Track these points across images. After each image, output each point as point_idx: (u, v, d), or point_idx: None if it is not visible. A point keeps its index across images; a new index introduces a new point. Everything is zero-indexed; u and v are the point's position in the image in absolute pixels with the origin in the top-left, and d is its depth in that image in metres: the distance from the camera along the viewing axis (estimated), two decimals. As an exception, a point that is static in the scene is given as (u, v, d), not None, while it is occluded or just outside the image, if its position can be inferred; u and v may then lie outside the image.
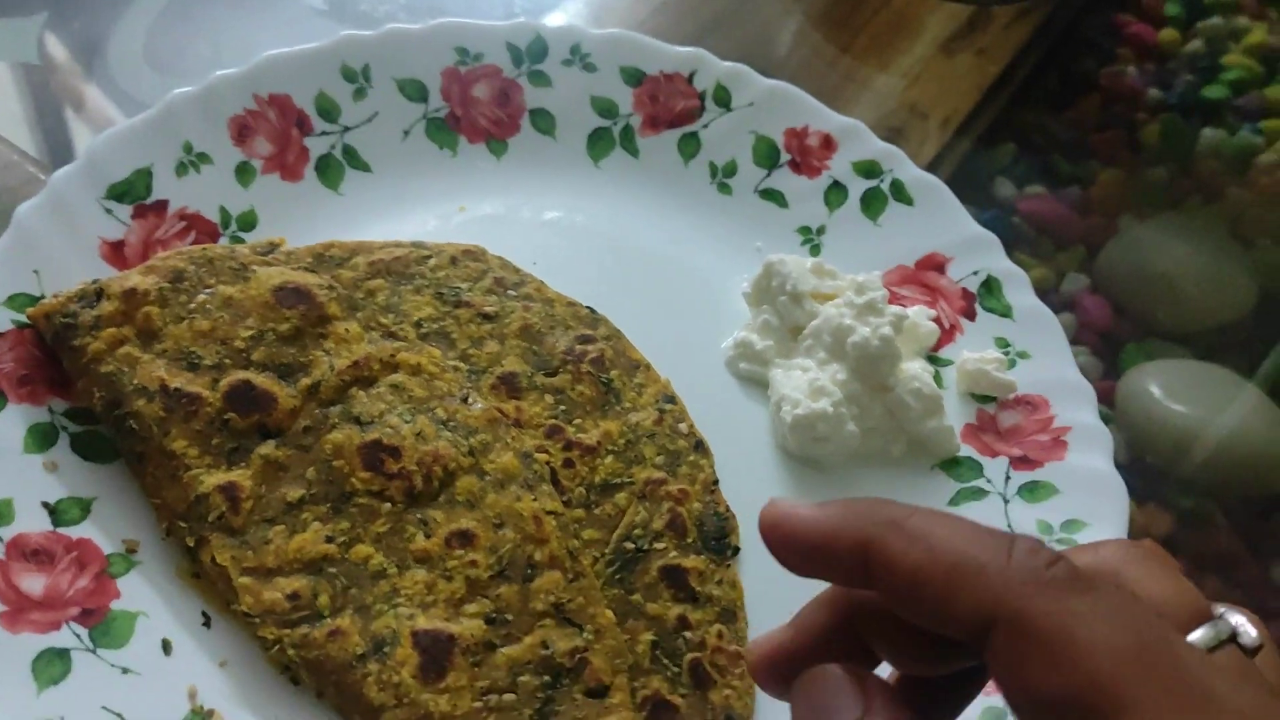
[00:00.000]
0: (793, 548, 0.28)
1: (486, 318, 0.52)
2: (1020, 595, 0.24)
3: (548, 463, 0.48)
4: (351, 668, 0.41)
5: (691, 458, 0.51)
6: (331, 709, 0.42)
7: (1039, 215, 0.86)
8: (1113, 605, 0.24)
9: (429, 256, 0.54)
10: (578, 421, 0.50)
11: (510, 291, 0.54)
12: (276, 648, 0.42)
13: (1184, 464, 0.74)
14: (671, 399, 0.52)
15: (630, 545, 0.47)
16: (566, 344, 0.52)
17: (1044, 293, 0.59)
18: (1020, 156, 0.89)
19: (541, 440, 0.49)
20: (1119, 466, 0.55)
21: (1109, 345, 0.79)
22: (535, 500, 0.46)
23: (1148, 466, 0.74)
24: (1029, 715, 0.24)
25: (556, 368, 0.51)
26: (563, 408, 0.50)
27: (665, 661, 0.45)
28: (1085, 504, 0.50)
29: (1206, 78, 0.95)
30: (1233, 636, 0.27)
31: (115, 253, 0.51)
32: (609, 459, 0.49)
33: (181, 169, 0.54)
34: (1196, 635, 0.27)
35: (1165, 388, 0.78)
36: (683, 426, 0.52)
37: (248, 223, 0.55)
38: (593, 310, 0.55)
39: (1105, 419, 0.55)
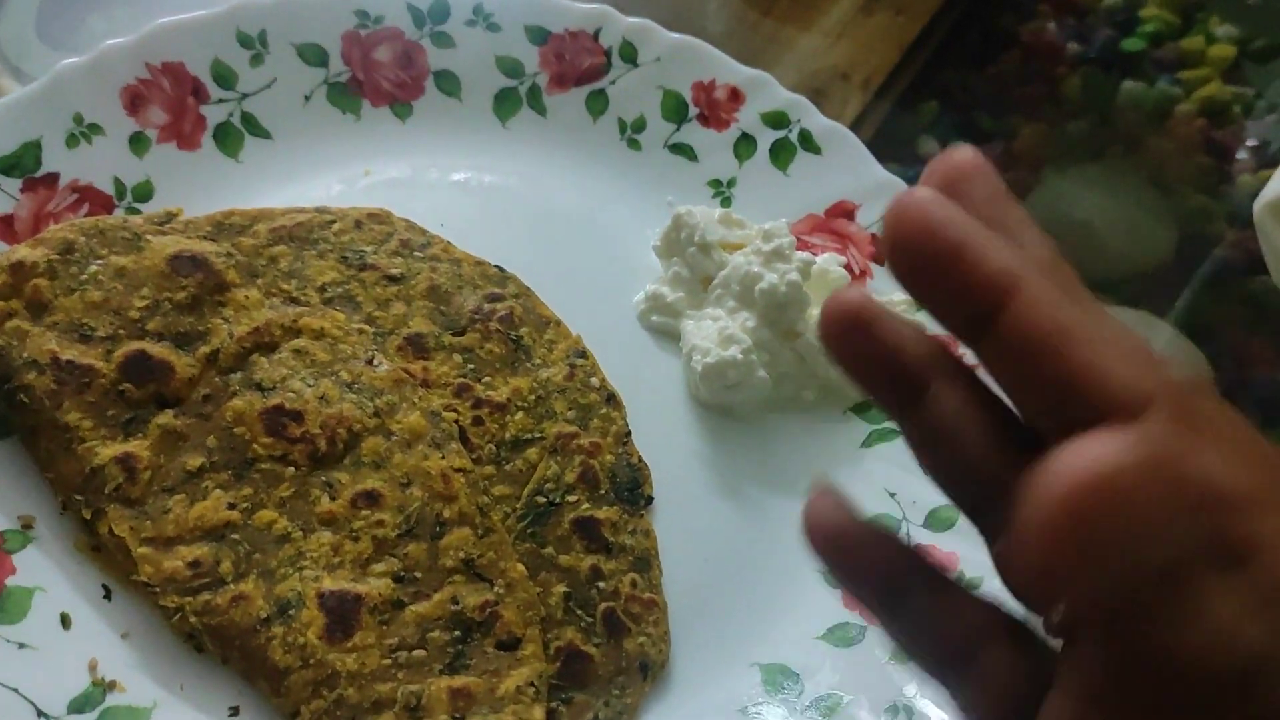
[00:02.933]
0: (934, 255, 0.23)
1: (392, 280, 0.52)
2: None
3: (456, 421, 0.48)
4: (255, 632, 0.41)
5: (603, 411, 0.50)
6: (237, 674, 0.41)
7: (963, 171, 0.87)
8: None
9: (333, 221, 0.53)
10: (487, 379, 0.50)
11: (417, 253, 0.53)
12: (179, 616, 0.41)
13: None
14: (583, 354, 0.52)
15: (542, 499, 0.47)
16: (475, 303, 0.52)
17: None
18: (943, 114, 0.89)
19: (450, 399, 0.49)
20: None
21: (1034, 295, 0.80)
22: (443, 458, 0.46)
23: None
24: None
25: (465, 327, 0.51)
26: (471, 366, 0.50)
27: (579, 612, 0.45)
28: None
29: (1125, 31, 0.96)
30: None
31: (5, 227, 0.50)
32: (519, 415, 0.49)
33: (72, 140, 0.53)
34: None
35: (1088, 335, 0.78)
36: (594, 380, 0.51)
37: (144, 193, 0.54)
38: (501, 269, 0.54)
39: None
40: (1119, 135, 0.91)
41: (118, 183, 0.54)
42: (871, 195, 0.58)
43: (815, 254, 0.56)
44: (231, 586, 0.42)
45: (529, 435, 0.49)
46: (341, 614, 0.41)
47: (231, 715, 0.41)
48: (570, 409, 0.50)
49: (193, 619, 0.41)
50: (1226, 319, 0.81)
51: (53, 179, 0.52)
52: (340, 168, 0.58)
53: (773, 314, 0.52)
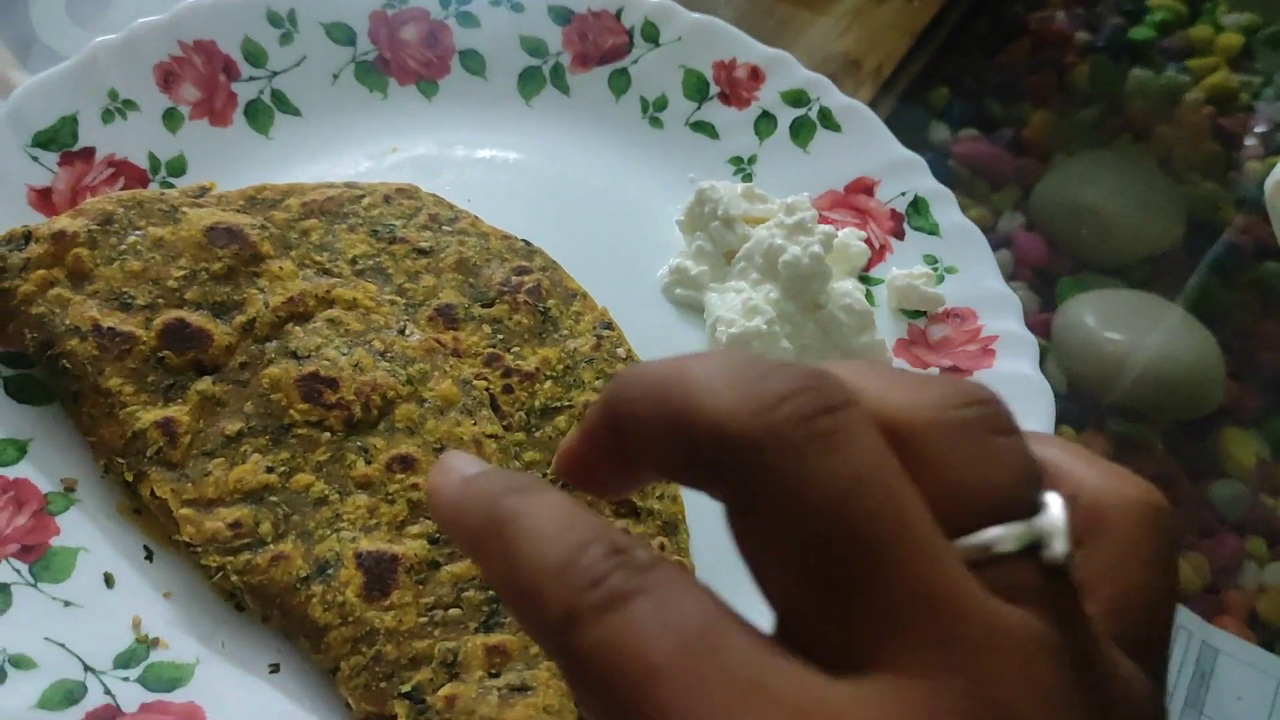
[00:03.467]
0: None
1: (422, 253, 0.53)
2: None
3: (487, 389, 0.49)
4: (295, 590, 0.42)
5: None
6: (277, 632, 0.42)
7: (974, 157, 0.88)
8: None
9: (362, 196, 0.54)
10: (516, 349, 0.51)
11: (445, 227, 0.54)
12: (220, 574, 0.42)
13: (1120, 390, 0.76)
14: (609, 325, 0.53)
15: (571, 465, 0.48)
16: (503, 275, 0.53)
17: (981, 232, 0.60)
18: (953, 101, 0.90)
19: (480, 368, 0.49)
20: (1057, 395, 0.56)
21: (1044, 280, 0.81)
22: (475, 425, 0.47)
23: (1085, 394, 0.75)
24: None
25: (493, 299, 0.52)
26: (500, 337, 0.51)
27: None
28: (1013, 407, 0.51)
29: (1133, 19, 0.97)
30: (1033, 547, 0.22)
31: (43, 200, 0.51)
32: (548, 384, 0.50)
33: (107, 116, 0.54)
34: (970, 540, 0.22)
35: (1100, 317, 0.79)
36: (620, 351, 0.52)
37: (177, 168, 0.55)
38: (528, 243, 0.55)
39: (1042, 351, 0.56)
40: (1128, 123, 0.91)
41: (152, 157, 0.55)
42: (890, 172, 0.59)
43: (836, 229, 0.57)
44: (271, 547, 0.43)
45: (558, 403, 0.49)
46: (379, 574, 0.42)
47: (272, 671, 0.42)
48: (598, 378, 0.51)
49: (234, 578, 0.42)
50: (1236, 303, 0.82)
51: (89, 153, 0.53)
52: (368, 144, 0.59)
53: (796, 286, 0.53)
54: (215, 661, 0.42)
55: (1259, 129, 0.93)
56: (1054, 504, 0.23)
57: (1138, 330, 0.79)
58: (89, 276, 0.47)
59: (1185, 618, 0.63)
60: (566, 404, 0.50)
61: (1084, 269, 0.83)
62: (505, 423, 0.48)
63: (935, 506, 0.22)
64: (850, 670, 0.21)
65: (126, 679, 0.40)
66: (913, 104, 0.86)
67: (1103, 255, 0.84)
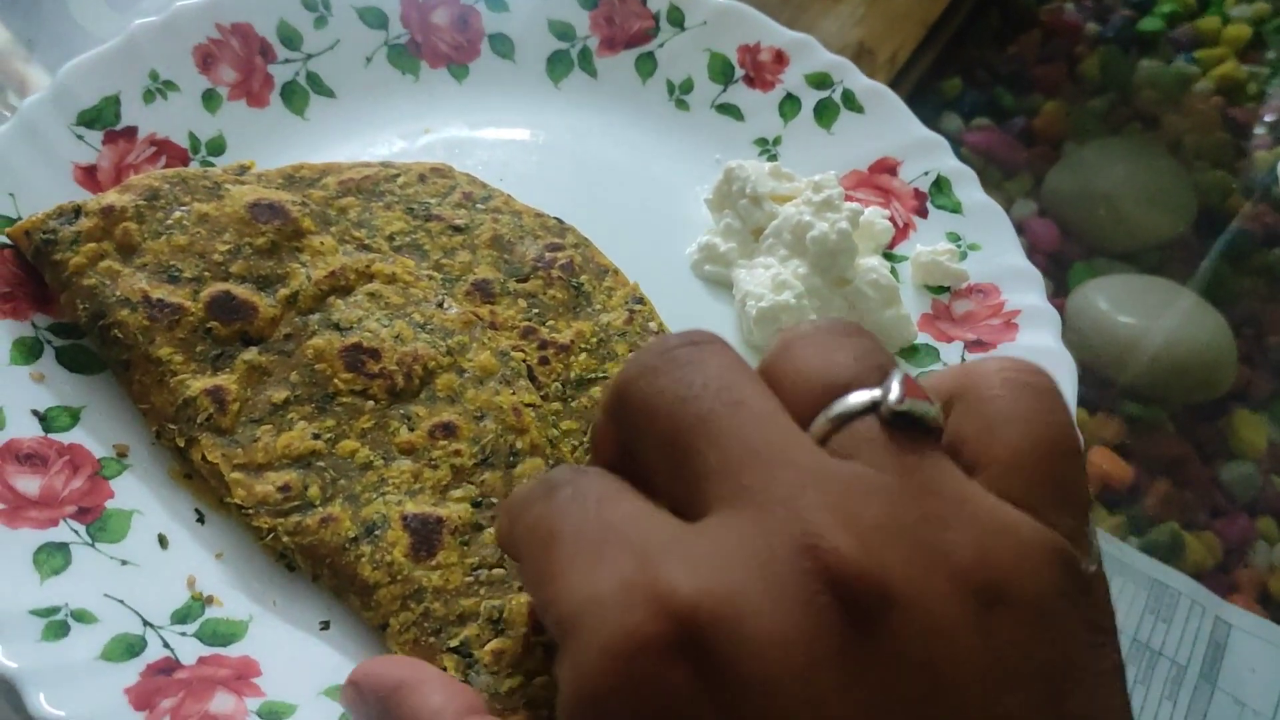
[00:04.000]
0: None
1: (457, 230, 0.54)
2: None
3: (524, 360, 0.50)
4: (345, 550, 0.43)
5: None
6: (327, 590, 0.44)
7: (986, 146, 0.89)
8: None
9: (397, 175, 0.55)
10: (550, 323, 0.52)
11: (479, 205, 0.55)
12: (271, 536, 0.43)
13: (1132, 373, 0.77)
14: (640, 300, 0.54)
15: (607, 434, 0.49)
16: (536, 252, 0.54)
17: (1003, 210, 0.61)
18: (965, 91, 0.91)
19: (517, 340, 0.51)
20: None
21: (1057, 265, 0.82)
22: (514, 394, 0.48)
23: (1098, 377, 0.77)
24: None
25: (528, 274, 0.53)
26: (536, 311, 0.52)
27: None
28: (1037, 380, 0.53)
29: (1142, 11, 0.98)
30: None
31: (88, 177, 0.52)
32: (583, 356, 0.51)
33: (149, 96, 0.55)
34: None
35: (1112, 300, 0.80)
36: (652, 325, 0.53)
37: (217, 147, 0.56)
38: (560, 220, 0.56)
39: None
40: (1137, 113, 0.93)
41: (192, 137, 0.56)
42: (913, 151, 0.60)
43: (861, 207, 0.58)
44: (320, 509, 0.44)
45: (592, 374, 0.51)
46: (425, 534, 0.43)
47: (323, 628, 0.43)
48: (630, 351, 0.52)
49: (285, 539, 0.43)
50: (1246, 289, 0.83)
51: (131, 132, 0.54)
52: (401, 125, 0.60)
53: (824, 261, 0.54)
54: (268, 619, 0.43)
55: (1268, 118, 0.94)
56: (896, 374, 0.28)
57: (1150, 314, 0.80)
58: (137, 250, 0.48)
59: (1199, 594, 0.64)
60: (601, 375, 0.51)
61: (1096, 255, 0.84)
62: (542, 393, 0.49)
63: (792, 401, 0.28)
64: (699, 517, 0.26)
65: (184, 634, 0.41)
66: (925, 94, 0.87)
67: (1114, 241, 0.85)
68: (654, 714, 0.24)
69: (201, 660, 0.40)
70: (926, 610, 0.24)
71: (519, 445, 0.46)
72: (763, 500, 0.25)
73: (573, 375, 0.51)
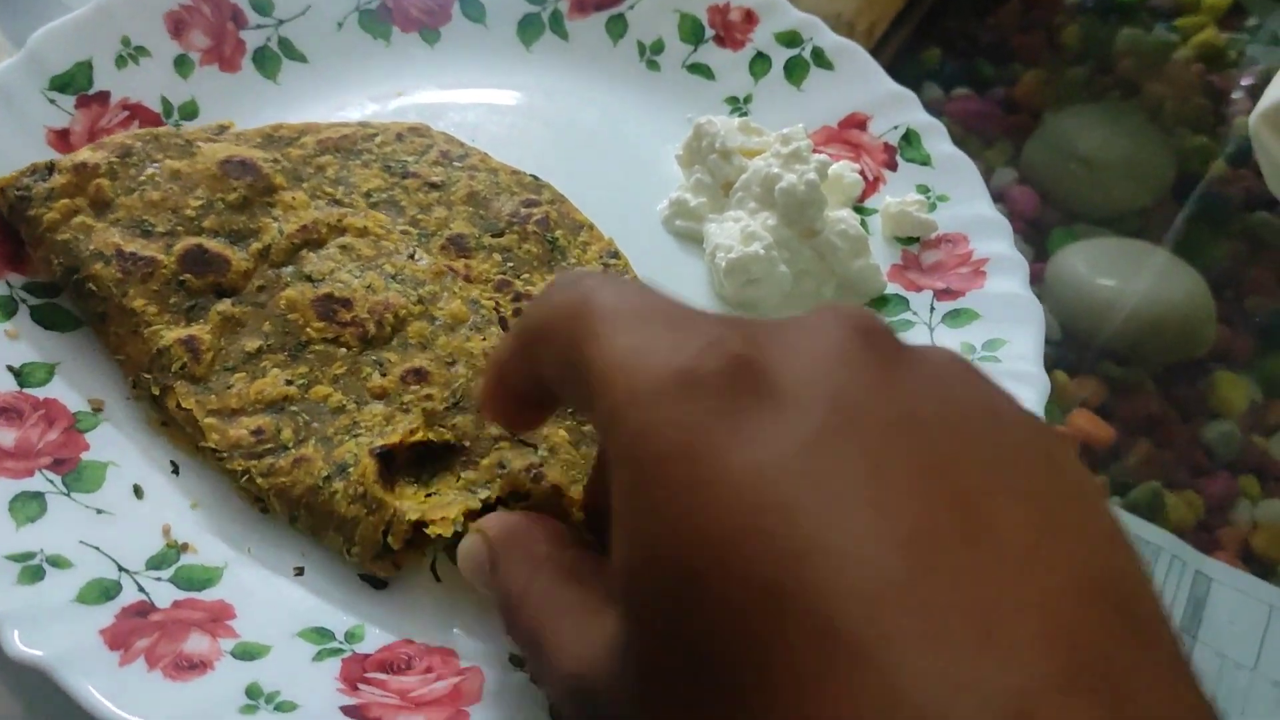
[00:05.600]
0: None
1: (434, 186, 0.54)
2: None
3: (496, 308, 0.50)
4: (319, 489, 0.43)
5: None
6: (305, 533, 0.44)
7: (966, 115, 0.90)
8: None
9: (375, 134, 0.56)
10: (525, 276, 0.52)
11: (456, 163, 0.56)
12: (245, 478, 0.44)
13: (1112, 334, 0.77)
14: (615, 254, 0.55)
15: (580, 382, 0.50)
16: (512, 208, 0.54)
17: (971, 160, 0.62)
18: (945, 61, 0.92)
19: (491, 293, 0.51)
20: (1050, 341, 0.57)
21: (1037, 232, 0.83)
22: (485, 340, 0.48)
23: (1078, 340, 0.77)
24: None
25: (503, 229, 0.54)
26: (510, 265, 0.53)
27: None
28: (1004, 325, 0.53)
29: (1122, -21, 0.98)
30: None
31: (61, 140, 0.53)
32: None
33: (121, 61, 0.55)
34: None
35: (1091, 264, 0.81)
36: (626, 278, 0.54)
37: (190, 112, 0.57)
38: (536, 177, 0.57)
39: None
40: (1117, 80, 0.93)
41: (165, 102, 0.56)
42: (883, 106, 0.61)
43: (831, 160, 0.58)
44: (293, 451, 0.44)
45: None
46: (390, 463, 0.44)
47: (297, 574, 0.43)
48: None
49: (259, 480, 0.44)
50: (1226, 251, 0.83)
51: (104, 97, 0.55)
52: (373, 89, 0.60)
53: (792, 213, 0.54)
54: (242, 565, 0.43)
55: (1246, 82, 0.94)
56: None
57: (1128, 275, 0.81)
58: (110, 206, 0.48)
59: (1179, 549, 0.64)
60: None
61: (1076, 221, 0.84)
62: None
63: None
64: None
65: (159, 579, 0.41)
66: (906, 64, 0.88)
67: (1094, 207, 0.86)
68: (713, 412, 0.25)
69: (176, 604, 0.41)
70: (935, 354, 0.27)
71: None
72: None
73: None
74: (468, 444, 0.45)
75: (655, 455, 0.25)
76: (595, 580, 0.31)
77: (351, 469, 0.43)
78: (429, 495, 0.44)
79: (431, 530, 0.41)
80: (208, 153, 0.51)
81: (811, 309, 0.29)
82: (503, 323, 0.50)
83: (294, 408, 0.45)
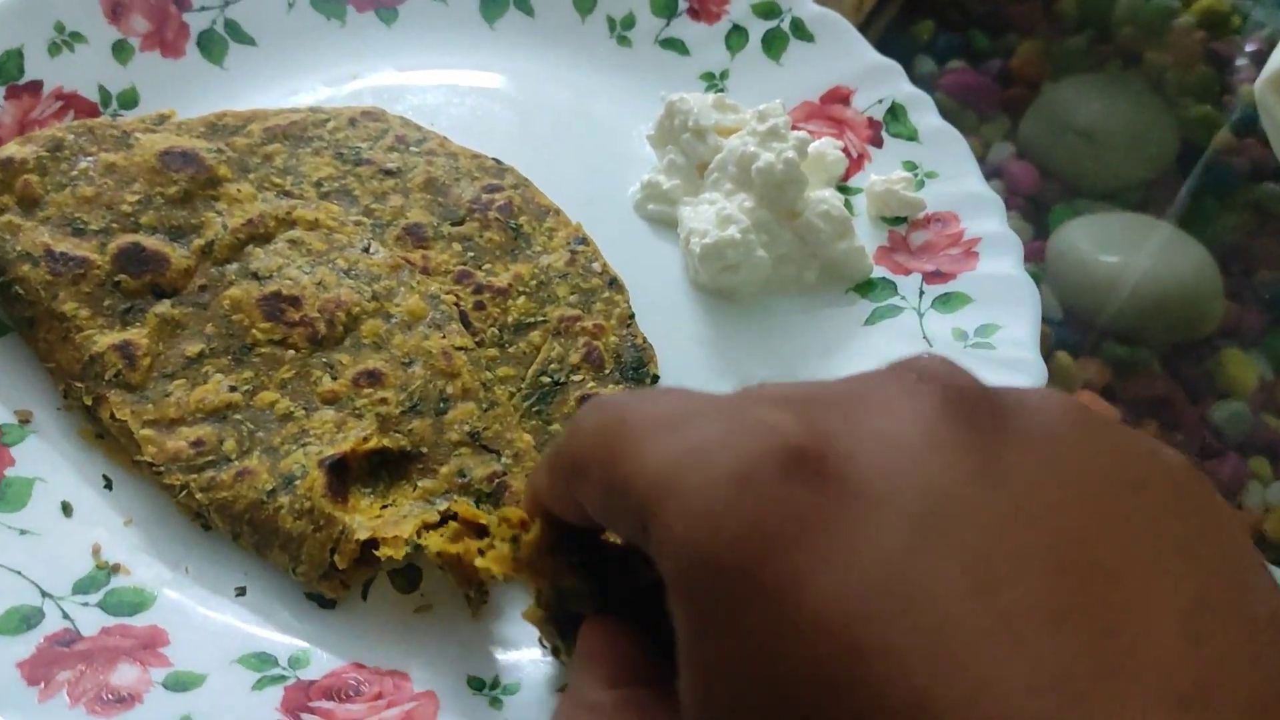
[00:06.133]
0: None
1: (389, 173, 0.51)
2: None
3: (458, 304, 0.47)
4: (263, 505, 0.40)
5: (606, 294, 0.50)
6: (245, 553, 0.41)
7: (961, 89, 0.86)
8: None
9: (327, 120, 0.53)
10: (487, 266, 0.49)
11: (413, 148, 0.53)
12: (184, 493, 0.41)
13: (1116, 313, 0.74)
14: (584, 240, 0.51)
15: (546, 379, 0.46)
16: (473, 194, 0.51)
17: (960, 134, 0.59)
18: (939, 34, 0.89)
19: (450, 285, 0.48)
20: (1052, 322, 0.54)
21: (1037, 209, 0.80)
22: (444, 338, 0.45)
23: (1082, 320, 0.74)
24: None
25: (463, 217, 0.50)
26: (471, 254, 0.49)
27: None
28: (998, 308, 0.50)
29: (1120, -55, 0.95)
30: None
31: (-10, 133, 0.50)
32: (521, 300, 0.48)
33: (54, 49, 0.52)
34: None
35: (1093, 240, 0.78)
36: (596, 266, 0.51)
37: (129, 101, 0.54)
38: (498, 161, 0.54)
39: (1035, 279, 0.54)
40: (1117, 50, 0.90)
41: (103, 90, 0.53)
42: (866, 79, 0.58)
43: (812, 138, 0.55)
44: (236, 463, 0.41)
45: (531, 319, 0.48)
46: (342, 472, 0.41)
47: (239, 595, 0.40)
48: (572, 293, 0.49)
49: (199, 495, 0.41)
50: (1232, 224, 0.81)
51: (36, 86, 0.52)
52: (327, 72, 0.57)
53: (771, 194, 0.51)
54: (179, 586, 0.40)
55: (1250, 48, 0.91)
56: None
57: (1132, 251, 0.78)
58: (40, 203, 0.45)
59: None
60: (540, 319, 0.48)
61: (1077, 196, 0.81)
62: (478, 338, 0.47)
63: None
64: None
65: (86, 604, 0.39)
66: (897, 38, 0.84)
67: (1096, 181, 0.83)
68: (781, 530, 0.21)
69: (104, 631, 0.38)
70: (1044, 411, 0.23)
71: (449, 390, 0.44)
72: None
73: (510, 320, 0.48)
74: (425, 450, 0.42)
75: (724, 593, 0.21)
76: None
77: (299, 482, 0.40)
78: (385, 507, 0.41)
79: (382, 552, 0.38)
80: (146, 144, 0.48)
81: (880, 369, 0.24)
82: (463, 317, 0.47)
83: (238, 416, 0.42)
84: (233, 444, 0.42)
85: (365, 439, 0.42)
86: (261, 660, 0.38)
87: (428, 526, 0.39)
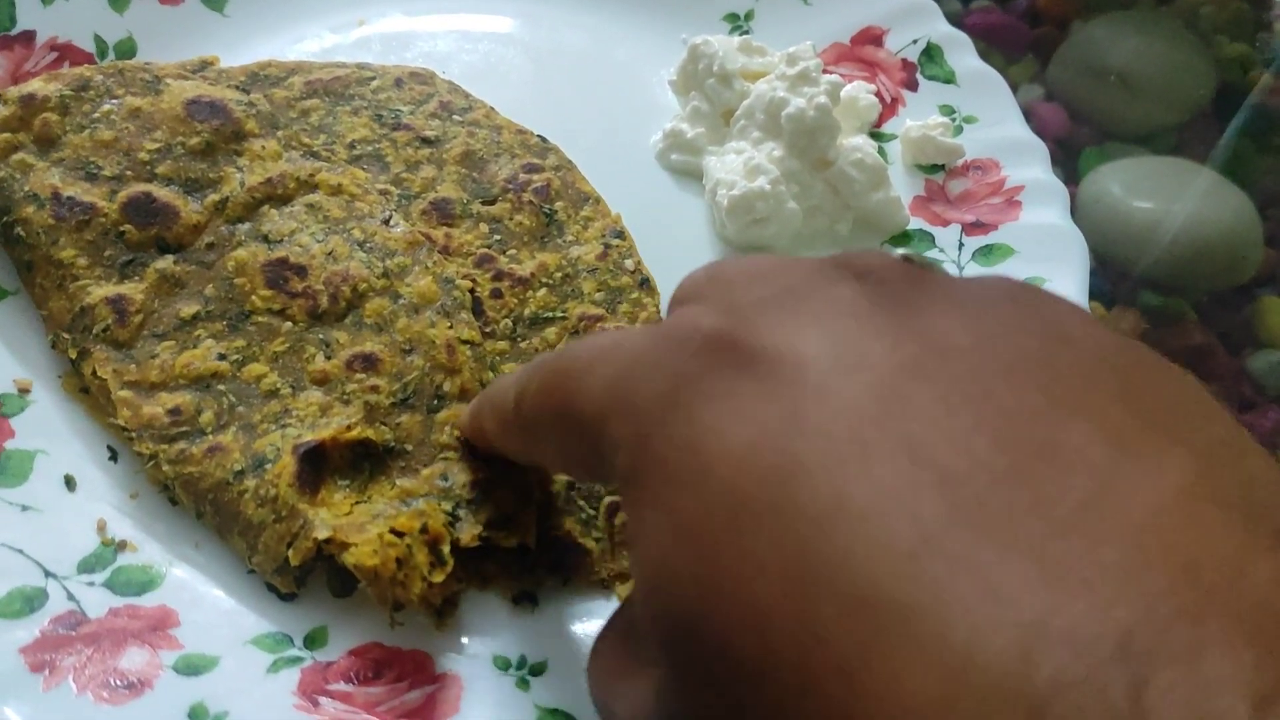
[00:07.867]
0: None
1: (426, 142, 0.49)
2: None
3: (473, 291, 0.45)
4: (228, 485, 0.38)
5: (635, 295, 0.47)
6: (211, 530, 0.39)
7: (988, 29, 0.83)
8: None
9: (372, 78, 0.51)
10: (512, 252, 0.47)
11: (456, 116, 0.50)
12: (152, 464, 0.39)
13: (1151, 261, 0.72)
14: (620, 234, 0.48)
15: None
16: (510, 172, 0.49)
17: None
18: (963, -29, 0.85)
19: (470, 269, 0.45)
20: None
21: (1067, 153, 0.77)
22: (451, 328, 0.43)
23: (1115, 268, 0.72)
24: None
25: (496, 196, 0.48)
26: (498, 237, 0.47)
27: (581, 504, 0.41)
28: (1043, 262, 0.48)
29: (1153, -124, 0.92)
30: None
31: (-19, 86, 0.47)
32: (542, 292, 0.46)
33: (47, -3, 0.50)
34: None
35: (1127, 186, 0.75)
36: (628, 263, 0.48)
37: (126, 50, 0.51)
38: (544, 139, 0.51)
39: None
40: (1149, -14, 0.87)
41: (99, 40, 0.51)
42: (900, 18, 0.55)
43: (844, 81, 0.52)
44: (209, 437, 0.39)
45: (550, 314, 0.45)
46: (315, 462, 0.38)
47: (251, 571, 0.38)
48: (599, 290, 0.46)
49: (165, 467, 0.38)
50: (1270, 167, 0.78)
51: (29, 37, 0.49)
52: (331, 17, 0.55)
53: (801, 141, 0.48)
54: (189, 564, 0.38)
55: (1291, -17, 0.88)
56: None
57: (1168, 197, 0.75)
58: (56, 144, 0.44)
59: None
60: (560, 315, 0.45)
61: (1108, 139, 0.79)
62: (488, 329, 0.44)
63: None
64: None
65: (92, 584, 0.37)
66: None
67: (1128, 124, 0.80)
68: (696, 393, 0.23)
69: (112, 612, 0.36)
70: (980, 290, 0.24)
71: (446, 388, 0.41)
72: None
73: (527, 312, 0.45)
74: (410, 448, 0.40)
75: (647, 457, 0.23)
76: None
77: (269, 466, 0.38)
78: (358, 503, 0.38)
79: (345, 559, 0.35)
80: (175, 91, 0.46)
81: (816, 260, 0.25)
82: (477, 304, 0.44)
83: (221, 386, 0.40)
84: (210, 416, 0.40)
85: (348, 428, 0.39)
86: (276, 641, 0.37)
87: (396, 532, 0.36)
